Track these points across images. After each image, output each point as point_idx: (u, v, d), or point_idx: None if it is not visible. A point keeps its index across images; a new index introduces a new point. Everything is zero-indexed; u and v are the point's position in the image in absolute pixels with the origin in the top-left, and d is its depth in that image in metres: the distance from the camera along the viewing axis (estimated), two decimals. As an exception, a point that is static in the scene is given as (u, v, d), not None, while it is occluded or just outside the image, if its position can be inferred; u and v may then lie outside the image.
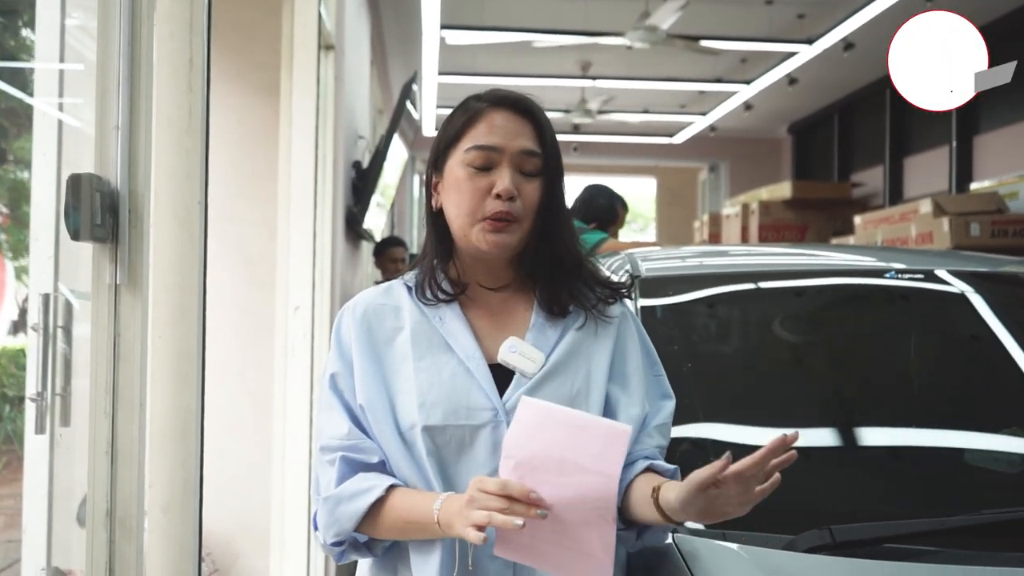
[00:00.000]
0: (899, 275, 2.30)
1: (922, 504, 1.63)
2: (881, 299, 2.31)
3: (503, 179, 1.34)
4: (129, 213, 1.52)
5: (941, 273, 2.27)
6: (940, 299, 2.28)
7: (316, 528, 1.38)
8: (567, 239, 1.42)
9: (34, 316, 1.79)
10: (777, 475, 1.17)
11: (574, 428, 1.18)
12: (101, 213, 1.47)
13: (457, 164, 1.38)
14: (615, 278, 2.17)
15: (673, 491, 1.22)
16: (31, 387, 1.81)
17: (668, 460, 1.60)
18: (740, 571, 1.42)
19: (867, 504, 1.64)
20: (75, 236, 1.44)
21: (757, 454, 1.14)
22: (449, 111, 1.46)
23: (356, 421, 1.37)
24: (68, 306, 1.68)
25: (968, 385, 2.09)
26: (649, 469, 1.36)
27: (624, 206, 4.25)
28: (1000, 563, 1.40)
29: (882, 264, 2.47)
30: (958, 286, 2.22)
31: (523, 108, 1.39)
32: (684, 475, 1.23)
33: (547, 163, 1.38)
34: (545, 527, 1.19)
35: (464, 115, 1.39)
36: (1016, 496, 1.63)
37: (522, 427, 1.19)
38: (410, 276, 1.45)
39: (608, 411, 1.38)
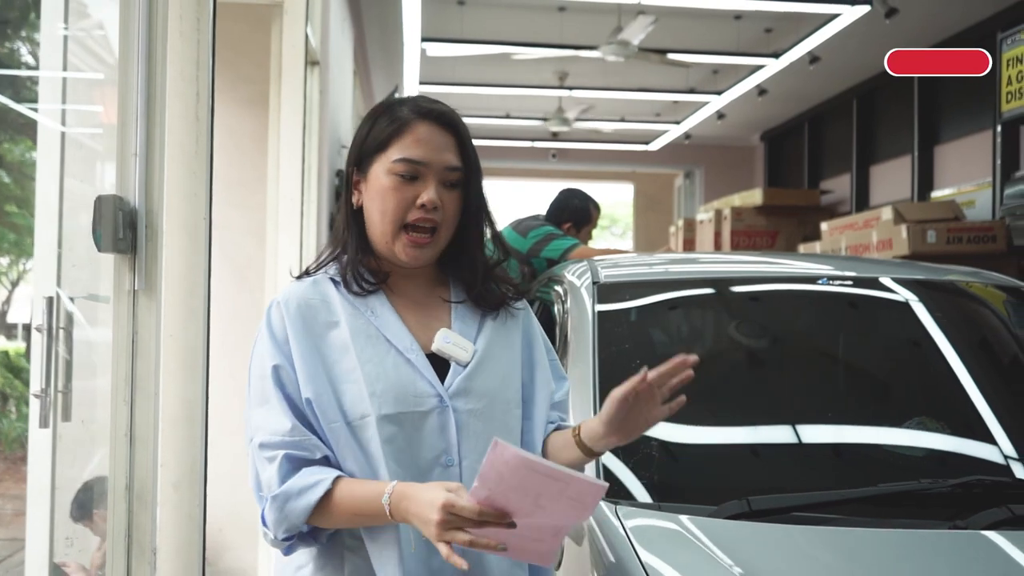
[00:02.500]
0: (830, 281, 2.56)
1: (829, 480, 1.89)
2: (817, 303, 2.56)
3: (428, 191, 1.42)
4: (146, 228, 1.75)
5: (885, 280, 2.52)
6: (870, 304, 2.54)
7: (265, 525, 1.41)
8: (477, 248, 1.52)
9: (38, 318, 2.01)
10: (682, 397, 1.42)
11: (551, 479, 1.21)
12: (123, 228, 1.70)
13: (383, 172, 1.44)
14: (577, 283, 2.44)
15: (594, 420, 1.42)
16: (35, 384, 2.03)
17: (612, 448, 1.85)
18: (670, 534, 1.67)
19: (783, 480, 1.89)
20: (100, 249, 1.68)
21: (665, 365, 1.39)
22: None
23: (299, 416, 1.40)
24: (69, 309, 1.90)
25: (885, 380, 2.35)
26: (557, 429, 1.55)
27: (597, 208, 4.52)
28: (888, 527, 1.66)
29: (823, 272, 2.73)
30: (899, 293, 2.46)
31: (447, 122, 1.47)
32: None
33: (467, 176, 1.48)
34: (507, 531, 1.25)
35: (391, 124, 1.45)
36: (906, 473, 1.89)
37: (495, 468, 1.20)
38: (333, 271, 1.49)
39: (523, 390, 1.53)
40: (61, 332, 1.95)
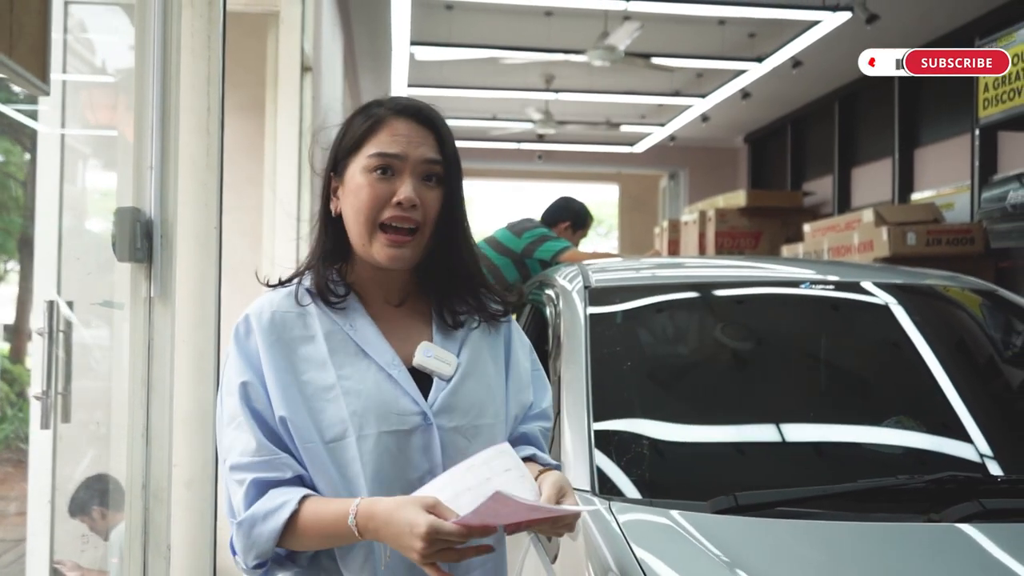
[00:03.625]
0: (812, 285, 2.66)
1: (812, 476, 1.99)
2: (800, 306, 2.66)
3: (405, 187, 1.34)
4: (161, 238, 1.83)
5: (866, 284, 2.61)
6: (851, 307, 2.64)
7: (234, 553, 1.32)
8: (465, 250, 1.44)
9: (39, 321, 2.08)
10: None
11: (543, 512, 1.21)
12: (140, 238, 1.78)
13: (358, 170, 1.36)
14: (568, 287, 2.53)
15: (549, 479, 1.33)
16: (36, 386, 2.11)
17: (605, 447, 1.94)
18: (662, 528, 1.75)
19: (768, 476, 1.99)
20: (120, 258, 1.76)
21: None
22: None
23: (270, 433, 1.31)
24: (70, 313, 1.97)
25: (865, 381, 2.45)
26: (532, 459, 1.45)
27: (591, 216, 4.82)
28: (867, 520, 1.75)
29: (806, 276, 2.83)
30: (879, 296, 2.56)
31: (424, 117, 1.39)
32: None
33: (448, 172, 1.39)
34: None
35: (366, 121, 1.38)
36: (885, 469, 1.99)
37: (491, 511, 1.17)
38: (308, 281, 1.41)
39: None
40: (61, 335, 2.03)
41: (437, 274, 1.44)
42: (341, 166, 1.39)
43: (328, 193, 1.42)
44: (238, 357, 1.34)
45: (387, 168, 1.35)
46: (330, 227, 1.41)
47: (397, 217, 1.34)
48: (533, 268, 4.18)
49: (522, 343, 1.54)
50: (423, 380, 1.38)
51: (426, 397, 1.37)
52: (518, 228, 4.36)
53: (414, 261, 1.39)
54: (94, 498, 2.90)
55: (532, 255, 4.24)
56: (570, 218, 4.64)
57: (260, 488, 1.29)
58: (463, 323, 1.45)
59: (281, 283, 1.42)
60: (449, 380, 1.39)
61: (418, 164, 1.36)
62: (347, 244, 1.40)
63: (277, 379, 1.32)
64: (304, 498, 1.28)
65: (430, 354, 1.38)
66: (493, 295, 1.49)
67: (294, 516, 1.26)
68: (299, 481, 1.31)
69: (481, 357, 1.44)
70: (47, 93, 1.27)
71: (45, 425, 2.10)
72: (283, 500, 1.27)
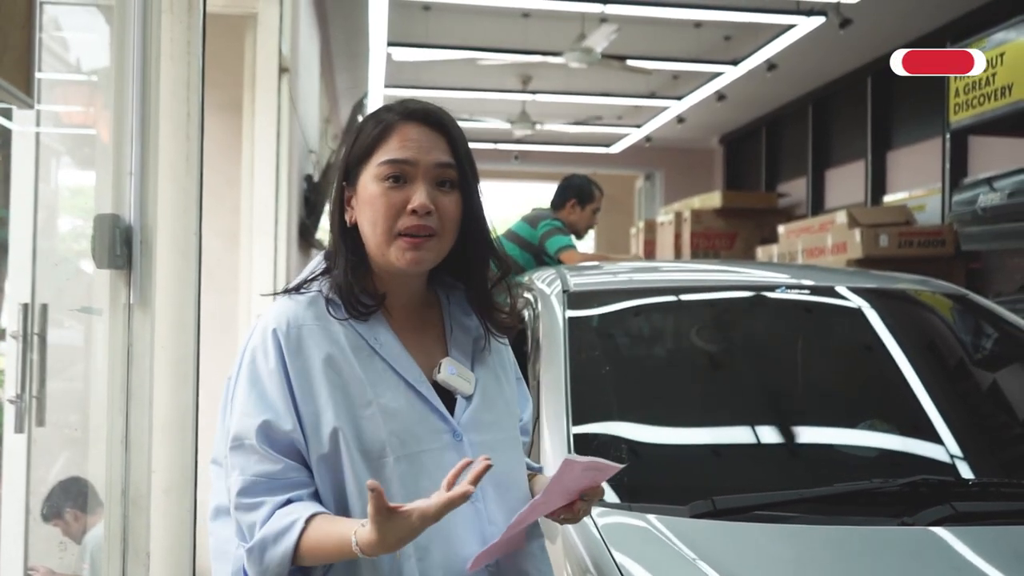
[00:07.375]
0: (787, 290, 2.69)
1: (788, 480, 2.01)
2: (776, 311, 2.69)
3: (418, 194, 1.31)
4: (141, 244, 1.82)
5: (840, 289, 2.64)
6: (825, 312, 2.67)
7: None
8: (487, 251, 1.43)
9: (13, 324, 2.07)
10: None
11: (597, 471, 1.34)
12: (119, 245, 1.77)
13: (370, 179, 1.33)
14: (547, 290, 2.54)
15: (541, 481, 1.43)
16: (10, 390, 2.09)
17: (584, 451, 1.95)
18: (640, 532, 1.77)
19: (745, 480, 2.01)
20: (99, 265, 1.75)
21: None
22: None
23: (290, 454, 1.29)
24: (44, 315, 1.96)
25: (839, 384, 2.48)
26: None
27: (599, 189, 4.74)
28: (842, 524, 1.78)
29: (782, 280, 2.86)
30: (853, 301, 2.58)
31: (435, 121, 1.36)
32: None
33: (462, 175, 1.36)
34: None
35: (375, 128, 1.35)
36: (859, 473, 2.02)
37: (562, 482, 1.28)
38: (326, 288, 1.37)
39: None
40: (35, 338, 2.02)
41: (454, 283, 1.45)
42: (353, 175, 1.37)
43: (342, 203, 1.39)
44: (263, 383, 1.30)
45: (399, 176, 1.32)
46: (347, 238, 1.38)
47: (414, 226, 1.32)
48: (550, 262, 4.22)
49: (512, 359, 1.55)
50: (444, 395, 1.38)
51: (450, 412, 1.38)
52: (533, 218, 4.38)
53: (434, 263, 1.37)
54: (68, 501, 2.88)
55: (543, 245, 4.28)
56: (574, 194, 4.57)
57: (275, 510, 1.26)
58: (476, 337, 1.45)
59: (296, 290, 1.38)
60: (469, 397, 1.40)
61: (430, 169, 1.33)
62: (366, 254, 1.37)
63: (313, 395, 1.29)
64: (312, 517, 1.24)
65: (453, 371, 1.38)
66: (503, 315, 1.48)
67: (301, 535, 1.23)
68: (314, 496, 1.29)
69: (492, 373, 1.45)
70: (32, 107, 1.26)
71: (19, 429, 2.09)
72: (292, 519, 1.24)
